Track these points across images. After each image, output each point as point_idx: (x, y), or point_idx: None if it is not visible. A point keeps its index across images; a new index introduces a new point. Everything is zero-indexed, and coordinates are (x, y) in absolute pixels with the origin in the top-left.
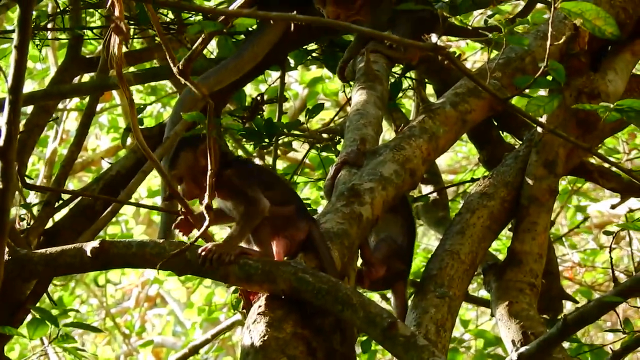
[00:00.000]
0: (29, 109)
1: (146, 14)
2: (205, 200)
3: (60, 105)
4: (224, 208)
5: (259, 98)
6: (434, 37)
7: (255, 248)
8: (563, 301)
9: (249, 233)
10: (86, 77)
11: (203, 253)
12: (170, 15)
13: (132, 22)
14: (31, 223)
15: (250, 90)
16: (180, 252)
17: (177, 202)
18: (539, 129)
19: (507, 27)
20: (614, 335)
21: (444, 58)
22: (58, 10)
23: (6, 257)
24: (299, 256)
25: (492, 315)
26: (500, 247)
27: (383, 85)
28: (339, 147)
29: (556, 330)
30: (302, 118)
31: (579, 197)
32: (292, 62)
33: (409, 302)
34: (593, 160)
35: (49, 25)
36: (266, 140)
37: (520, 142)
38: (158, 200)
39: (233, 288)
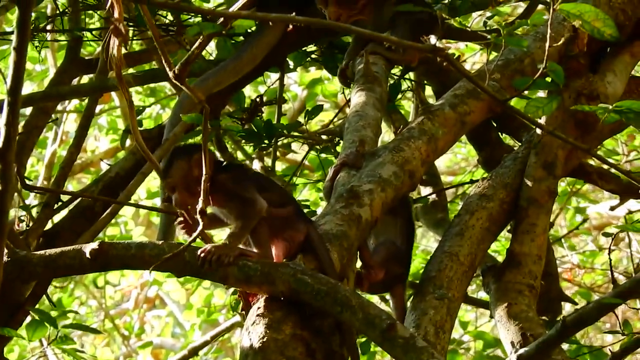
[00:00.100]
0: (28, 110)
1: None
2: (200, 205)
3: (59, 107)
4: (219, 215)
5: (258, 99)
6: (432, 39)
7: (255, 249)
8: (562, 303)
9: (248, 234)
10: (85, 79)
11: (202, 254)
12: (170, 17)
13: (131, 24)
14: (30, 224)
15: (249, 91)
16: (176, 255)
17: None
18: (538, 131)
19: (506, 29)
20: (613, 337)
21: (443, 59)
22: (57, 11)
23: (5, 258)
24: (298, 258)
25: (491, 316)
26: (499, 248)
27: (382, 86)
28: (338, 149)
29: (555, 332)
30: (301, 119)
31: (578, 199)
32: (291, 63)
33: (408, 304)
34: (592, 161)
35: (48, 27)
36: (265, 141)
37: (519, 144)
38: (157, 202)
39: (232, 289)
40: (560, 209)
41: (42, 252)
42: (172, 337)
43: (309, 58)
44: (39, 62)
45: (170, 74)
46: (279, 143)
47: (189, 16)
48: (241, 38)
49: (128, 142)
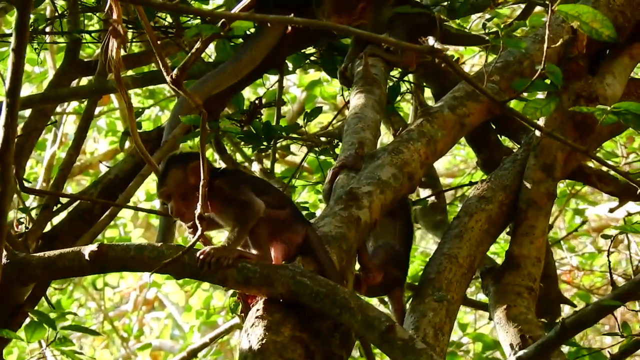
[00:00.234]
0: (27, 112)
1: (145, 17)
2: (198, 210)
3: (58, 109)
4: (218, 221)
5: (257, 101)
6: (431, 40)
7: (254, 252)
8: (561, 305)
9: (247, 235)
10: (84, 81)
11: (201, 257)
12: (169, 19)
13: (130, 26)
14: (30, 226)
15: (248, 93)
16: (176, 260)
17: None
18: (537, 133)
19: (504, 31)
20: (612, 339)
21: (442, 61)
22: (56, 13)
23: (4, 260)
24: (297, 260)
25: (490, 318)
26: (498, 250)
27: (381, 88)
28: (337, 151)
29: (554, 334)
30: (300, 121)
31: (577, 201)
32: (290, 65)
33: (407, 306)
34: (591, 163)
35: (47, 29)
36: (264, 143)
37: (519, 146)
38: (156, 204)
39: (231, 291)
40: (560, 211)
41: (41, 254)
42: (171, 339)
43: (308, 60)
44: (38, 64)
45: (168, 79)
46: (278, 145)
47: (188, 18)
48: (240, 40)
49: (127, 144)
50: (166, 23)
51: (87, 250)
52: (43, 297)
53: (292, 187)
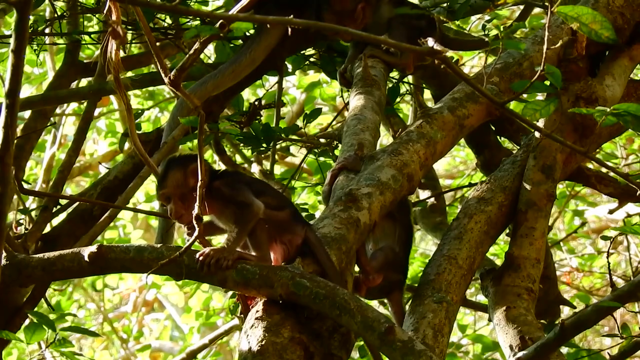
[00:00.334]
0: (26, 113)
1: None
2: (195, 210)
3: (58, 110)
4: (218, 223)
5: (256, 103)
6: (430, 41)
7: (253, 253)
8: (561, 306)
9: (246, 237)
10: (84, 82)
11: (201, 258)
12: (168, 20)
13: (129, 27)
14: (29, 228)
15: (247, 95)
16: (175, 260)
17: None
18: (537, 134)
19: (504, 32)
20: (611, 340)
21: (441, 62)
22: (55, 15)
23: (4, 261)
24: (297, 261)
25: (490, 320)
26: (497, 252)
27: (381, 90)
28: (336, 152)
29: (554, 335)
30: (299, 123)
31: (576, 202)
32: (289, 67)
33: (407, 307)
34: (591, 165)
35: (47, 30)
36: (264, 145)
37: (518, 147)
38: (156, 205)
39: (231, 293)
40: (559, 212)
41: (40, 255)
42: (170, 340)
43: (307, 61)
44: (38, 65)
45: (166, 80)
46: (278, 146)
47: (188, 19)
48: (240, 41)
49: (127, 145)
50: (165, 24)
51: (86, 251)
52: (42, 299)
53: (292, 188)
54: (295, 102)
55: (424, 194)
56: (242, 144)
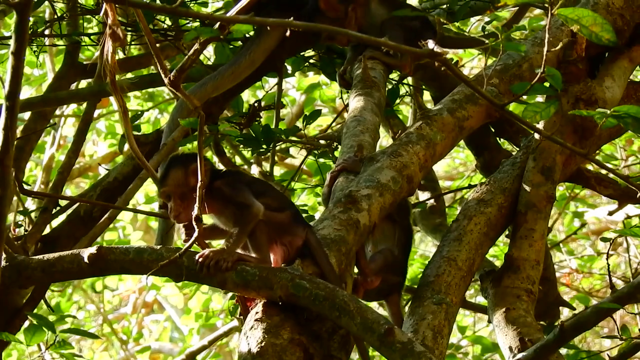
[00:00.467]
0: (26, 115)
1: (143, 20)
2: (195, 211)
3: (57, 111)
4: (218, 224)
5: (256, 104)
6: (430, 43)
7: (253, 254)
8: (560, 307)
9: (246, 238)
10: (83, 83)
11: (200, 259)
12: (168, 22)
13: (129, 28)
14: (29, 229)
15: (247, 96)
16: (174, 261)
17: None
18: (536, 136)
19: (504, 34)
20: (611, 342)
21: (441, 64)
22: (55, 16)
23: (3, 263)
24: (296, 262)
25: (490, 321)
26: (497, 253)
27: (380, 91)
28: (336, 154)
29: (553, 337)
30: (299, 124)
31: (576, 204)
32: (289, 68)
33: (406, 309)
34: (590, 166)
35: (47, 32)
36: (264, 146)
37: (518, 149)
38: (155, 207)
39: (230, 294)
40: (559, 214)
41: (40, 256)
42: (170, 341)
43: (307, 63)
44: (37, 67)
45: (166, 81)
46: (277, 148)
47: (187, 21)
48: (239, 43)
49: (126, 146)
50: (165, 26)
51: (86, 252)
52: (42, 300)
53: (292, 189)
54: (295, 104)
55: (423, 196)
56: (241, 146)
